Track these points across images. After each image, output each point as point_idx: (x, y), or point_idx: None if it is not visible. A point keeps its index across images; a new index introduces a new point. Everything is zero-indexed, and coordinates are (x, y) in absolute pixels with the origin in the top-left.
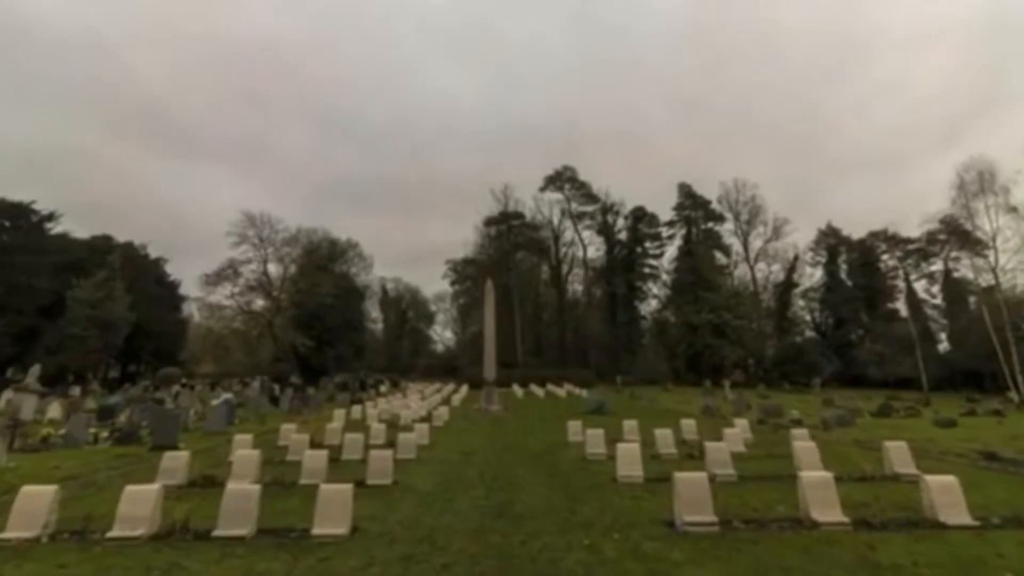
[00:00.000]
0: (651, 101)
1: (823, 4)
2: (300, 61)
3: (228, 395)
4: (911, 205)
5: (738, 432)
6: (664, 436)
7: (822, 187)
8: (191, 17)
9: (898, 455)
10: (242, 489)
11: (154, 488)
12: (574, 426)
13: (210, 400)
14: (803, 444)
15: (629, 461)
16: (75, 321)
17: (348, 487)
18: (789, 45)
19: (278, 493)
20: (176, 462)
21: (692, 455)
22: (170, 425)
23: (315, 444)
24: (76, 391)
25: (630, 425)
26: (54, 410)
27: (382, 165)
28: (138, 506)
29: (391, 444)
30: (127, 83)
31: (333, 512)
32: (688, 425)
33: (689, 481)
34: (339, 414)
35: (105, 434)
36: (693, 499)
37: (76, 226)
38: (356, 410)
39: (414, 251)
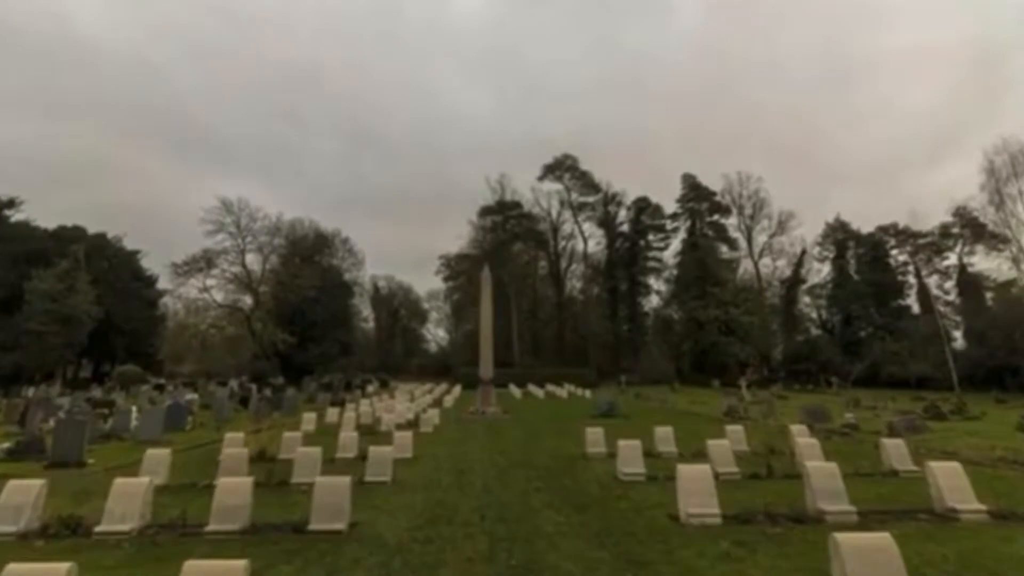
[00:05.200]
0: (660, 117)
1: (822, 27)
2: (332, 79)
3: (192, 395)
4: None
5: (814, 444)
6: (719, 449)
7: (824, 196)
8: (233, 38)
9: None
10: (47, 571)
11: None
12: (593, 434)
13: (164, 401)
14: (943, 466)
15: (698, 491)
16: (33, 315)
17: (240, 566)
18: (790, 65)
19: (169, 548)
20: (24, 496)
21: (758, 474)
22: (74, 435)
23: (265, 459)
24: (31, 392)
25: (664, 433)
26: None
27: (400, 176)
28: None
29: (363, 458)
30: (162, 96)
31: None
32: (735, 432)
33: (864, 548)
34: (309, 418)
35: (7, 445)
36: None
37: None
38: (334, 413)
39: (425, 258)
